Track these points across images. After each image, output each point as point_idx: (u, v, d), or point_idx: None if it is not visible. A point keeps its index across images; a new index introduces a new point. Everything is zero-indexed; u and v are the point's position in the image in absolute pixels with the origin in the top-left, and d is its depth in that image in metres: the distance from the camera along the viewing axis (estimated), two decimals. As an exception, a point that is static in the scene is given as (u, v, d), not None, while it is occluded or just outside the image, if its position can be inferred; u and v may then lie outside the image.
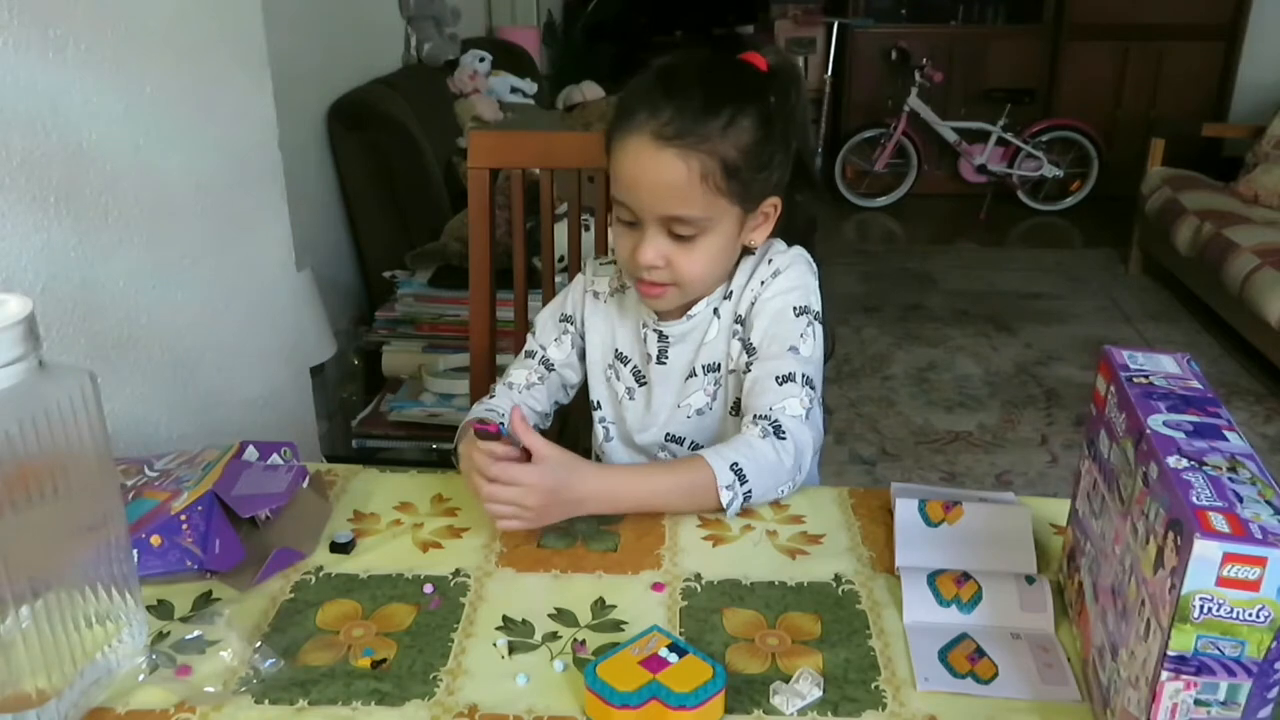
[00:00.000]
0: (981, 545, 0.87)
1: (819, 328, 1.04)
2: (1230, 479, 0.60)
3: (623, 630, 0.80)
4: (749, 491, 0.93)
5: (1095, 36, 5.00)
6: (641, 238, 0.98)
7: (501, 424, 0.93)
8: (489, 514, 0.90)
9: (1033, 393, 3.08)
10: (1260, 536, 0.55)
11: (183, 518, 0.85)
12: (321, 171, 2.59)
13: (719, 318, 1.07)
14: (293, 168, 1.67)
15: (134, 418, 1.25)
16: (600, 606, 0.83)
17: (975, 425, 2.88)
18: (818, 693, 0.73)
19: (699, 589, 0.86)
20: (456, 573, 0.88)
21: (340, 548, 0.91)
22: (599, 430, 1.16)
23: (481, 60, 3.54)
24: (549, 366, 1.14)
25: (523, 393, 1.12)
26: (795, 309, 1.03)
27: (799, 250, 1.07)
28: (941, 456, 2.71)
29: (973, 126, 4.94)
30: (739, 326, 1.06)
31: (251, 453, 0.98)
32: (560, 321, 1.15)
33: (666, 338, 1.09)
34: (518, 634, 0.80)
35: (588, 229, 1.47)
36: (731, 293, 1.06)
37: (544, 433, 1.05)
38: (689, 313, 1.07)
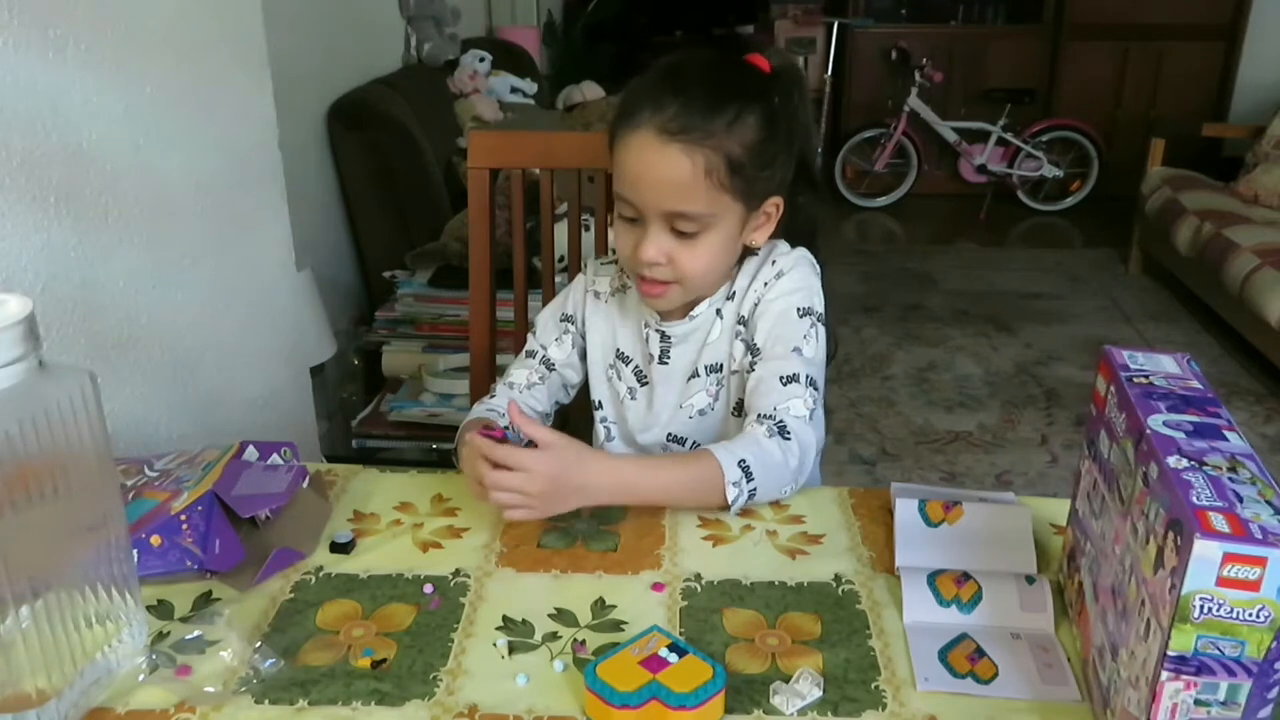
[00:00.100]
0: (981, 545, 0.87)
1: (822, 329, 1.04)
2: (1230, 479, 0.60)
3: (623, 630, 0.80)
4: (754, 489, 0.92)
5: (1095, 36, 5.00)
6: (644, 234, 0.98)
7: (506, 429, 0.93)
8: (494, 503, 0.89)
9: (1033, 393, 3.08)
10: (1260, 536, 0.55)
11: (183, 518, 0.85)
12: (321, 171, 2.59)
13: (722, 318, 1.07)
14: (293, 168, 1.67)
15: (134, 418, 1.25)
16: (600, 606, 0.83)
17: (975, 425, 2.88)
18: (818, 693, 0.73)
19: (699, 589, 0.86)
20: (456, 573, 0.88)
21: (340, 548, 0.91)
22: (600, 430, 1.16)
23: (481, 60, 3.54)
24: (550, 366, 1.14)
25: (523, 392, 1.12)
26: (799, 310, 1.03)
27: (802, 251, 1.07)
28: (941, 456, 2.71)
29: (973, 126, 4.94)
30: (742, 327, 1.06)
31: (251, 453, 0.98)
32: (561, 321, 1.15)
33: (669, 338, 1.09)
34: (518, 634, 0.80)
35: (588, 229, 1.47)
36: (735, 293, 1.06)
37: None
38: (691, 313, 1.07)
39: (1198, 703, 0.59)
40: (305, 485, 0.96)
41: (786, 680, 0.74)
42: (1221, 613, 0.56)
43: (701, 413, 1.09)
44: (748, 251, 1.06)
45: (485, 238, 1.34)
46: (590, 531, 0.94)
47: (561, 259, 1.73)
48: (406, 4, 3.20)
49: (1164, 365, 0.76)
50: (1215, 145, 4.56)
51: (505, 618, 0.82)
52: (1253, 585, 0.55)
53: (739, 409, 1.07)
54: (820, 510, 0.98)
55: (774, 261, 1.05)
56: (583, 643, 0.79)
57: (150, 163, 1.26)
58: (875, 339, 3.47)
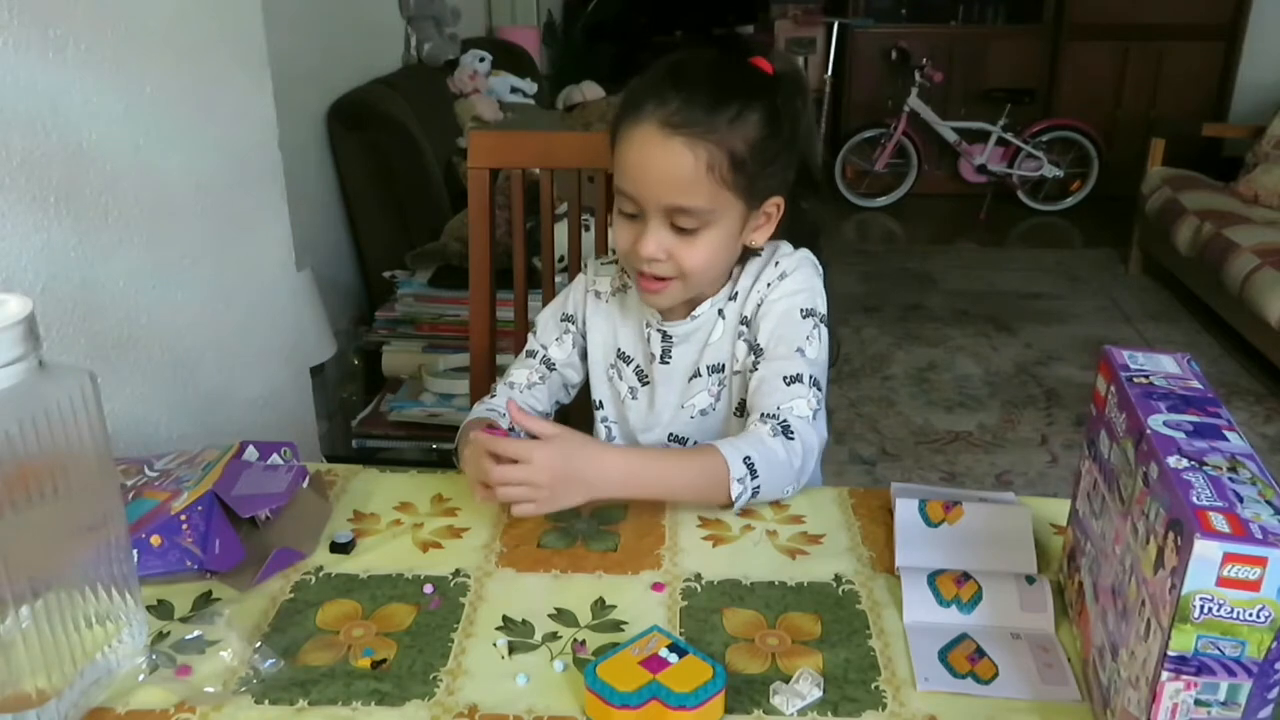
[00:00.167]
0: (981, 545, 0.87)
1: (824, 331, 1.04)
2: (1230, 479, 0.60)
3: (623, 630, 0.80)
4: (758, 487, 0.92)
5: (1095, 36, 5.00)
6: (644, 230, 0.97)
7: (510, 430, 0.93)
8: (502, 499, 0.88)
9: (1033, 393, 3.08)
10: (1260, 536, 0.55)
11: (183, 518, 0.85)
12: (321, 171, 2.59)
13: (724, 318, 1.07)
14: (293, 168, 1.67)
15: (134, 418, 1.25)
16: (600, 606, 0.83)
17: (975, 425, 2.88)
18: (818, 693, 0.73)
19: (699, 589, 0.86)
20: (456, 573, 0.88)
21: (340, 548, 0.91)
22: (601, 430, 1.16)
23: (481, 60, 3.54)
24: (550, 366, 1.15)
25: (524, 392, 1.12)
26: (802, 311, 1.03)
27: (805, 253, 1.08)
28: (941, 456, 2.71)
29: (973, 126, 4.94)
30: (744, 327, 1.06)
31: (251, 453, 0.98)
32: (561, 321, 1.15)
33: (670, 337, 1.09)
34: (518, 634, 0.80)
35: (588, 229, 1.47)
36: (737, 294, 1.06)
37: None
38: (693, 313, 1.07)
39: (1198, 703, 0.59)
40: (305, 485, 0.96)
41: (786, 680, 0.74)
42: (1222, 613, 0.56)
43: (703, 413, 1.09)
44: (750, 253, 1.06)
45: (485, 238, 1.34)
46: (590, 531, 0.94)
47: (561, 259, 1.73)
48: (406, 4, 3.20)
49: (1164, 365, 0.76)
50: (1215, 145, 4.56)
51: (505, 618, 0.82)
52: (1253, 585, 0.55)
53: (741, 409, 1.07)
54: (820, 510, 0.98)
55: (777, 263, 1.05)
56: (583, 643, 0.79)
57: (150, 163, 1.26)
58: (875, 339, 3.47)
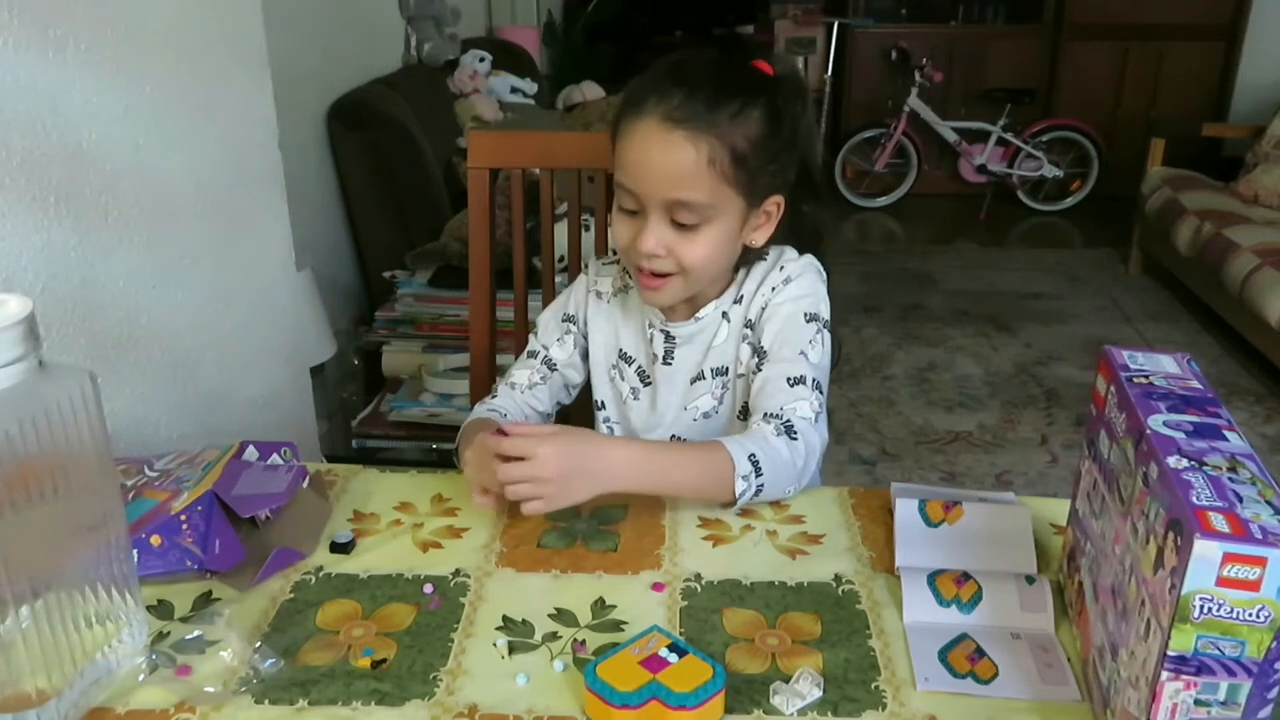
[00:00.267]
0: (981, 545, 0.87)
1: (827, 336, 1.04)
2: (1230, 479, 0.60)
3: (623, 630, 0.80)
4: (761, 485, 0.92)
5: (1095, 36, 5.00)
6: (643, 225, 0.97)
7: None
8: (510, 497, 0.88)
9: (1033, 393, 3.08)
10: (1260, 536, 0.55)
11: (183, 518, 0.85)
12: (321, 171, 2.59)
13: (728, 321, 1.07)
14: (293, 168, 1.67)
15: (134, 418, 1.25)
16: (600, 606, 0.83)
17: (975, 425, 2.88)
18: (818, 693, 0.73)
19: (699, 589, 0.86)
20: (456, 573, 0.88)
21: (340, 548, 0.91)
22: (603, 430, 1.16)
23: (481, 60, 3.54)
24: (551, 366, 1.15)
25: (525, 392, 1.13)
26: (806, 315, 1.03)
27: (810, 259, 1.08)
28: (941, 456, 2.71)
29: (973, 126, 4.94)
30: (749, 330, 1.06)
31: (251, 453, 0.98)
32: (563, 321, 1.15)
33: (673, 338, 1.09)
34: (518, 634, 0.80)
35: (588, 229, 1.47)
36: (742, 297, 1.06)
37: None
38: (697, 314, 1.07)
39: (1198, 703, 0.59)
40: (305, 485, 0.96)
41: (786, 680, 0.74)
42: (1221, 613, 0.56)
43: (706, 415, 1.09)
44: (755, 257, 1.06)
45: (485, 238, 1.34)
46: (590, 531, 0.94)
47: (561, 259, 1.73)
48: (406, 4, 3.21)
49: (1164, 365, 0.76)
50: (1215, 145, 4.56)
51: (505, 618, 0.82)
52: (1253, 585, 0.55)
53: (744, 413, 1.07)
54: (820, 510, 0.98)
55: (782, 267, 1.06)
56: (583, 643, 0.79)
57: (150, 163, 1.26)
58: (875, 339, 3.47)
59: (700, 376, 1.09)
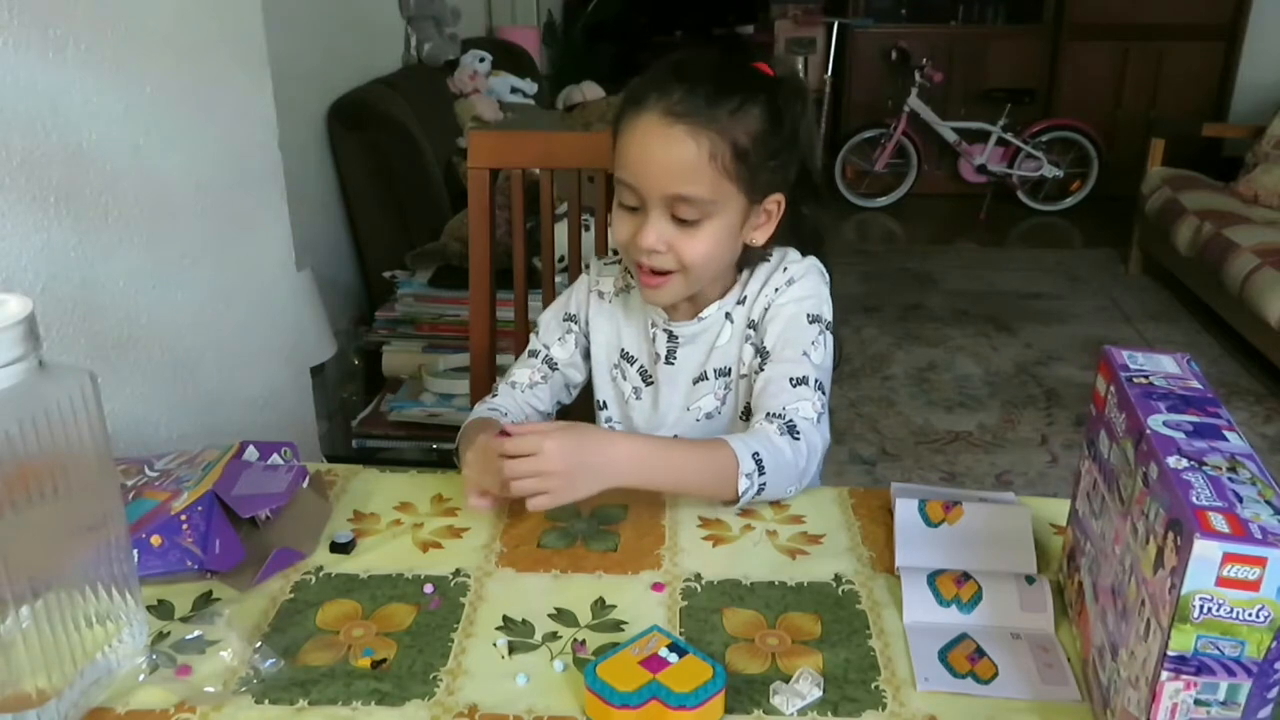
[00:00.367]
0: (981, 545, 0.87)
1: (830, 337, 1.04)
2: (1230, 479, 0.60)
3: (623, 630, 0.80)
4: (764, 483, 0.92)
5: (1095, 36, 5.00)
6: (644, 221, 0.97)
7: None
8: (516, 493, 0.87)
9: (1033, 393, 3.08)
10: (1260, 536, 0.55)
11: (183, 518, 0.86)
12: (321, 171, 2.59)
13: (732, 322, 1.07)
14: (293, 168, 1.67)
15: (134, 418, 1.25)
16: (600, 606, 0.83)
17: (975, 425, 2.88)
18: (818, 693, 0.73)
19: (699, 589, 0.86)
20: (456, 573, 0.88)
21: (340, 548, 0.91)
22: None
23: (481, 60, 3.54)
24: (552, 366, 1.15)
25: (525, 392, 1.13)
26: (809, 316, 1.03)
27: (813, 261, 1.08)
28: (941, 456, 2.71)
29: (973, 126, 4.94)
30: (752, 331, 1.06)
31: (251, 453, 0.98)
32: (564, 321, 1.16)
33: (676, 338, 1.09)
34: (518, 634, 0.80)
35: (588, 229, 1.47)
36: (745, 298, 1.07)
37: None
38: (700, 314, 1.07)
39: (1198, 703, 0.59)
40: (305, 485, 0.96)
41: (786, 680, 0.74)
42: (1221, 613, 0.56)
43: (709, 416, 1.09)
44: (758, 257, 1.06)
45: (485, 238, 1.34)
46: (590, 531, 0.94)
47: (561, 259, 1.73)
48: (406, 4, 3.21)
49: (1164, 365, 0.76)
50: (1215, 145, 4.56)
51: (505, 618, 0.82)
52: (1252, 585, 0.55)
53: (747, 414, 1.07)
54: (820, 510, 0.98)
55: (785, 269, 1.06)
56: (583, 643, 0.79)
57: (150, 163, 1.26)
58: (875, 339, 3.47)
59: (703, 377, 1.09)
